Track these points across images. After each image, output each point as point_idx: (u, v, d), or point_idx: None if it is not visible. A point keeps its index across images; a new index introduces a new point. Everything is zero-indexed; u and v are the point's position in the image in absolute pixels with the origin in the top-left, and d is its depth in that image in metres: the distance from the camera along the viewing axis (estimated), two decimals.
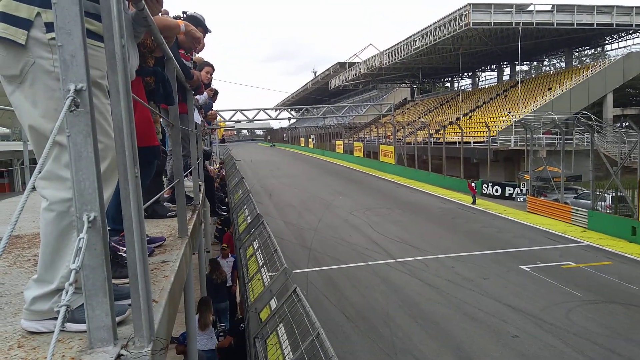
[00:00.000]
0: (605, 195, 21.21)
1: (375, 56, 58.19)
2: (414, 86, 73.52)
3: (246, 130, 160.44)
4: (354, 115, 72.12)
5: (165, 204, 4.71)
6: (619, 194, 20.18)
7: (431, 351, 9.90)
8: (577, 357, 9.46)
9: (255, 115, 64.75)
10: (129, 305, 1.74)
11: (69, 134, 1.48)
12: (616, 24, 37.69)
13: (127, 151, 1.62)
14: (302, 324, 4.44)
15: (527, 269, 14.92)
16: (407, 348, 10.05)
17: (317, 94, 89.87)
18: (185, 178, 5.12)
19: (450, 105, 55.78)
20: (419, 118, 55.91)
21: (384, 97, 77.35)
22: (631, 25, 38.17)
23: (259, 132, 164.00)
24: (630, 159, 23.54)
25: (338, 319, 11.65)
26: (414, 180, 37.00)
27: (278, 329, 5.29)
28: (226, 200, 17.57)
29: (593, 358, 9.36)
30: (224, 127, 67.41)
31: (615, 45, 44.46)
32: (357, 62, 67.09)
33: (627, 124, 27.00)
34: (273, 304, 6.48)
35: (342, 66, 73.98)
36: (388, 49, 53.61)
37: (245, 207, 11.76)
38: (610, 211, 20.54)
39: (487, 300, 12.51)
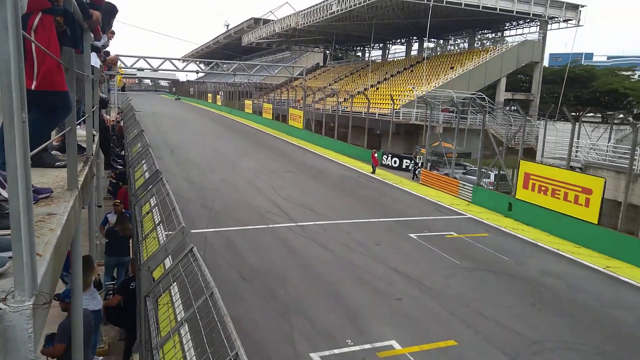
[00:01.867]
0: (490, 172, 23.26)
1: (290, 16, 57.24)
2: (327, 52, 73.74)
3: (149, 80, 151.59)
4: (265, 76, 70.90)
5: (53, 152, 4.41)
6: (501, 172, 22.24)
7: (322, 311, 10.40)
8: (451, 318, 10.49)
9: (160, 65, 61.14)
10: (10, 258, 1.67)
11: None
12: (516, 11, 40.16)
13: (15, 93, 1.52)
14: (196, 284, 4.45)
15: (415, 237, 16.04)
16: (300, 308, 10.47)
17: (228, 49, 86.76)
18: (78, 126, 4.80)
19: (359, 75, 56.89)
20: (330, 85, 56.46)
21: (297, 60, 76.75)
22: (529, 14, 40.96)
23: (163, 83, 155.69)
24: (514, 141, 25.93)
25: (234, 280, 11.77)
26: (319, 147, 37.64)
27: (171, 288, 5.24)
28: (122, 154, 16.68)
29: (463, 319, 10.44)
30: (125, 75, 62.97)
31: (513, 32, 47.80)
32: (273, 20, 65.56)
33: (515, 108, 29.49)
34: (167, 263, 6.38)
35: (256, 22, 71.84)
36: (304, 9, 52.96)
37: (143, 162, 11.23)
38: (492, 187, 22.60)
39: (377, 265, 13.33)
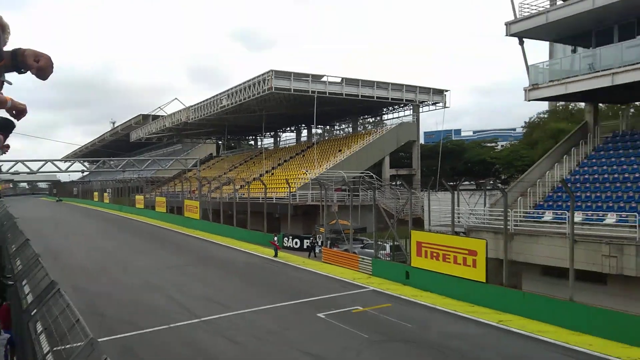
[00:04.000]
0: (385, 244, 24.35)
1: (181, 111, 57.78)
2: (220, 142, 74.65)
3: (26, 183, 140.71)
4: (157, 169, 69.41)
5: None
6: (395, 243, 23.38)
7: None
8: None
9: (41, 167, 57.38)
10: None
11: None
12: (391, 98, 44.92)
13: None
14: None
15: (323, 317, 16.02)
16: None
17: (115, 146, 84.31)
18: None
19: (254, 162, 58.01)
20: (225, 173, 56.67)
21: (189, 152, 76.55)
22: (402, 99, 45.96)
23: (42, 185, 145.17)
24: (403, 213, 27.65)
25: None
26: (219, 236, 36.92)
27: None
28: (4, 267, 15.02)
29: None
30: None
31: (391, 115, 52.55)
32: (162, 115, 65.52)
33: (401, 183, 31.76)
34: None
35: (145, 118, 71.25)
36: (195, 104, 53.87)
37: (32, 273, 10.21)
38: (389, 258, 23.60)
39: (290, 350, 13.01)
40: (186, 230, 41.85)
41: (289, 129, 64.22)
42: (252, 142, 75.61)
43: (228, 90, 46.03)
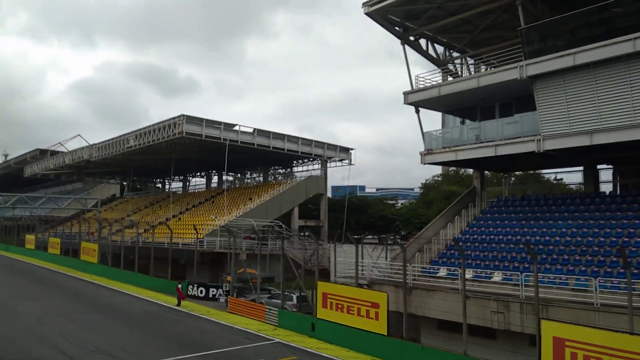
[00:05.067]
0: (292, 295, 24.52)
1: (83, 148, 54.85)
2: (125, 183, 71.37)
3: None
4: (53, 208, 64.39)
5: None
6: (302, 293, 23.64)
7: None
8: None
9: None
10: None
11: None
12: (301, 152, 46.62)
13: None
14: None
15: None
16: None
17: (5, 180, 77.28)
18: None
19: (160, 206, 56.03)
20: (128, 216, 54.06)
21: (90, 192, 72.28)
22: (311, 154, 47.93)
23: None
24: (310, 263, 28.14)
25: None
26: (118, 282, 34.79)
27: None
28: None
29: None
30: None
31: (301, 168, 54.10)
32: (62, 152, 61.61)
33: (308, 234, 32.46)
34: None
35: (42, 153, 66.49)
36: (99, 142, 51.52)
37: None
38: (295, 309, 23.74)
39: None
40: (82, 274, 38.91)
41: (199, 174, 63.29)
42: (160, 185, 73.20)
43: (137, 131, 44.79)
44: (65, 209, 64.46)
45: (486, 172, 31.33)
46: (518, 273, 18.89)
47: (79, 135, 72.05)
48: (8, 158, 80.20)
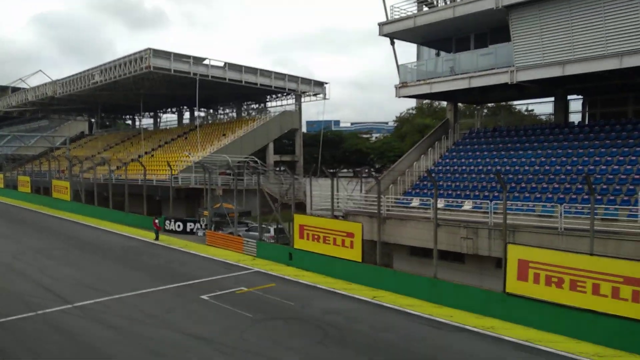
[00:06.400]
0: (270, 227, 24.98)
1: (47, 84, 52.43)
2: (93, 120, 69.25)
3: None
4: (19, 146, 62.39)
5: None
6: (279, 226, 24.11)
7: None
8: None
9: None
10: None
11: None
12: (274, 86, 45.57)
13: None
14: None
15: (207, 298, 16.20)
16: None
17: None
18: None
19: (132, 143, 54.92)
20: (99, 153, 52.99)
21: (57, 129, 69.98)
22: (285, 88, 46.92)
23: None
24: (287, 197, 28.49)
25: None
26: (93, 218, 34.67)
27: None
28: None
29: None
30: None
31: (274, 103, 53.26)
32: (24, 88, 58.85)
33: (284, 169, 32.60)
34: None
35: (3, 90, 63.43)
36: (63, 78, 49.23)
37: None
38: (273, 241, 24.31)
39: (171, 333, 13.04)
40: (55, 212, 38.52)
41: (170, 110, 61.71)
42: (130, 122, 71.32)
43: (102, 66, 42.80)
44: (33, 147, 62.65)
45: (459, 104, 31.50)
46: (488, 202, 19.62)
47: (40, 70, 68.92)
48: None
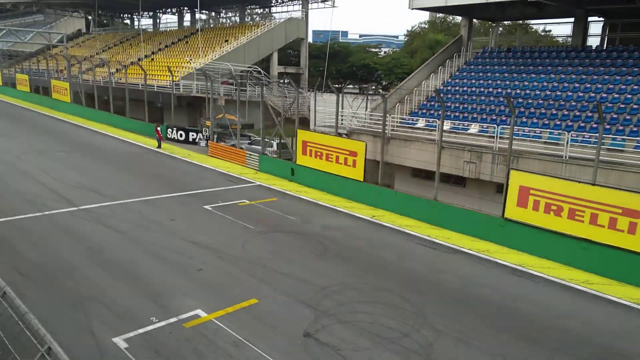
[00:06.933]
0: (272, 142, 24.83)
1: None
2: (89, 17, 66.37)
3: None
4: (15, 42, 60.31)
5: None
6: (282, 140, 23.96)
7: (120, 295, 10.11)
8: (250, 279, 11.33)
9: None
10: None
11: None
12: None
13: None
14: None
15: (210, 209, 16.47)
16: (94, 296, 9.96)
17: None
18: None
19: (131, 44, 53.05)
20: (97, 54, 51.43)
21: (53, 25, 67.16)
22: None
23: None
24: (290, 111, 28.05)
25: (9, 278, 10.43)
26: (94, 122, 34.42)
27: None
28: None
29: (262, 278, 11.41)
30: None
31: (279, 9, 50.65)
32: None
33: (288, 81, 31.77)
34: None
35: None
36: None
37: None
38: (275, 155, 24.28)
39: (174, 240, 13.38)
40: (56, 113, 38.13)
41: (169, 10, 58.89)
42: (128, 22, 68.40)
43: None
44: (29, 44, 60.48)
45: (475, 20, 29.97)
46: (494, 125, 19.29)
47: None
48: None
